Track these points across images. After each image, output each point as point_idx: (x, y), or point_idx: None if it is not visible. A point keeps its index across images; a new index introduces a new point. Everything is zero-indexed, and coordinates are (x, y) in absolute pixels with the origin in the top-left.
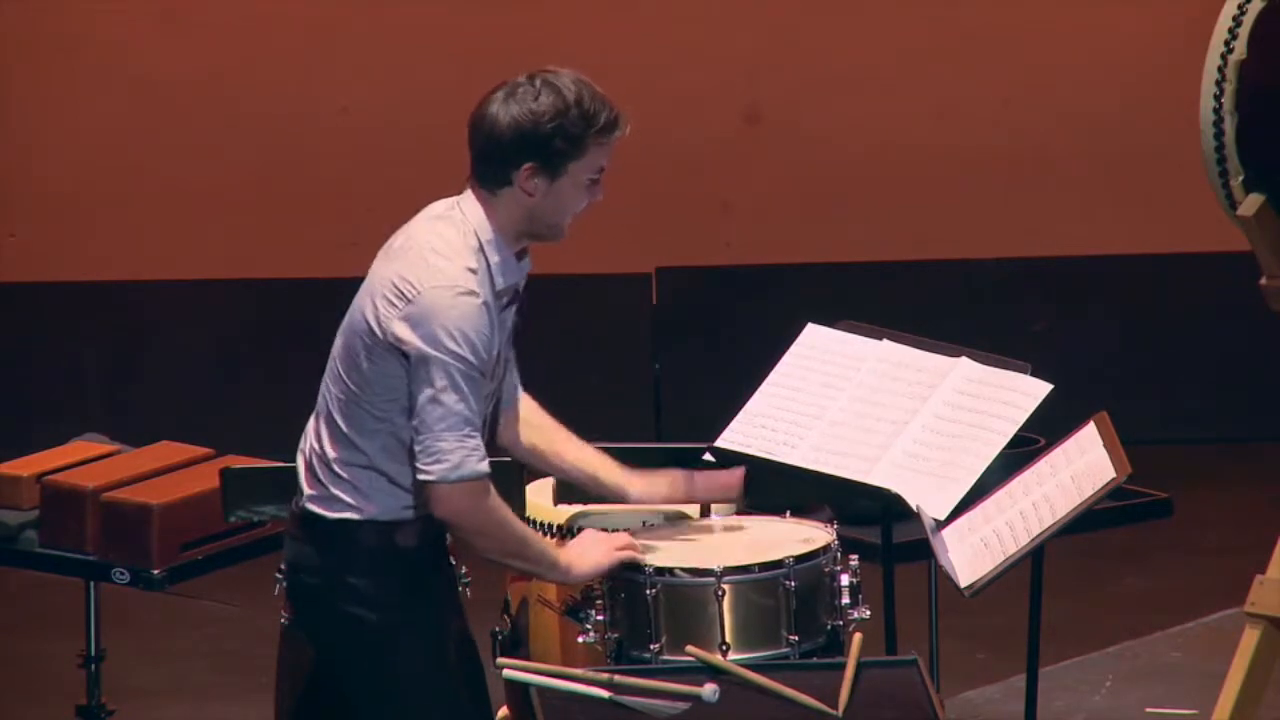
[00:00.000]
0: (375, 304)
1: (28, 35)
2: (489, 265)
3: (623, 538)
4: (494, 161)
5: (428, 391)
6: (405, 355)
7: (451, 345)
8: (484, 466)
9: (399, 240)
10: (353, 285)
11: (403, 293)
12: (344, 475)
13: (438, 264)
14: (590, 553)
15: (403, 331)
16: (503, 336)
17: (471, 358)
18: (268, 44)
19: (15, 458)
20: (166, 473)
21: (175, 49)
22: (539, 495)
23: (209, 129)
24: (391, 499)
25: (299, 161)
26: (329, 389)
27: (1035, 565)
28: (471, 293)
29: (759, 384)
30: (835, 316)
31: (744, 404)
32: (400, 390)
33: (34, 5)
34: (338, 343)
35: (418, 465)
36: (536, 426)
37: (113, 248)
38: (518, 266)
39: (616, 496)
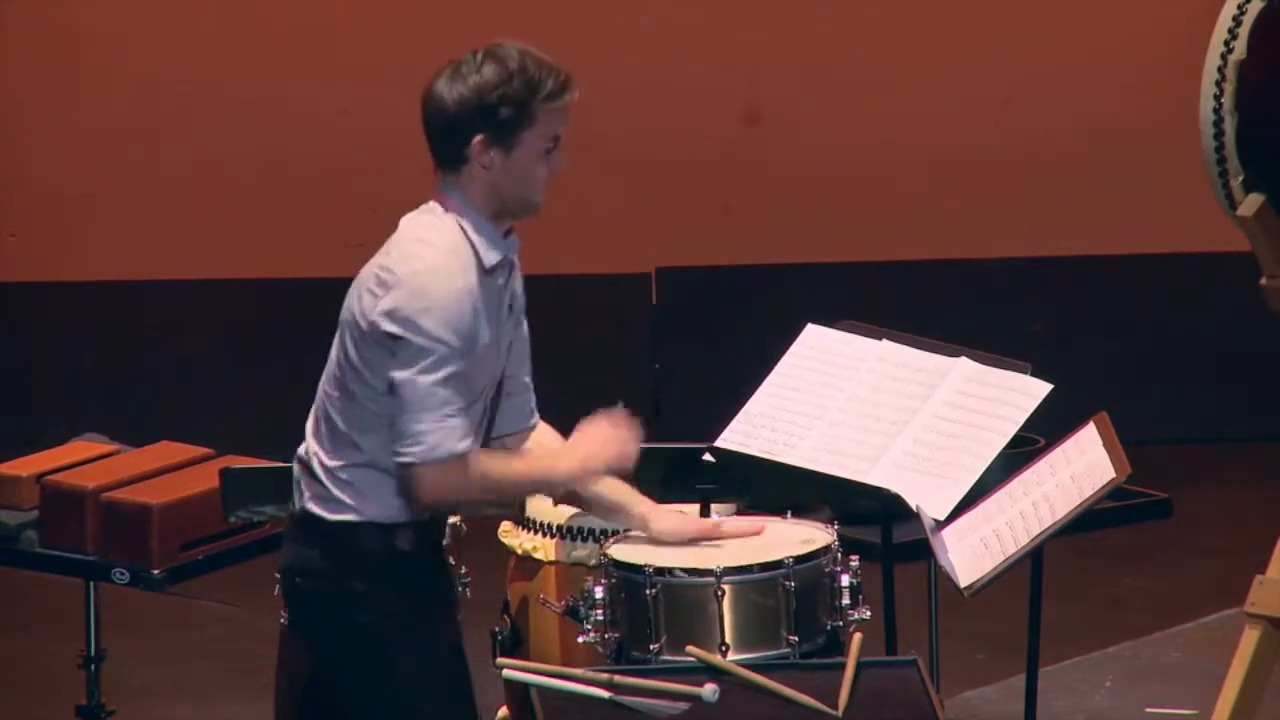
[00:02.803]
0: (360, 295)
1: (28, 35)
2: (473, 246)
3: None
4: (446, 139)
5: (405, 374)
6: (391, 342)
7: (429, 327)
8: (463, 445)
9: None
10: None
11: (383, 280)
12: (344, 476)
13: (418, 250)
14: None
15: (384, 318)
16: (502, 316)
17: (452, 340)
18: (268, 44)
19: (15, 458)
20: (166, 473)
21: (176, 49)
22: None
23: (209, 129)
24: (391, 498)
25: (299, 161)
26: (326, 391)
27: (1035, 565)
28: (449, 276)
29: (759, 384)
30: (835, 316)
31: (744, 404)
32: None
33: (34, 5)
34: (333, 345)
35: (395, 449)
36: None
37: (113, 248)
38: (504, 242)
39: (640, 528)
